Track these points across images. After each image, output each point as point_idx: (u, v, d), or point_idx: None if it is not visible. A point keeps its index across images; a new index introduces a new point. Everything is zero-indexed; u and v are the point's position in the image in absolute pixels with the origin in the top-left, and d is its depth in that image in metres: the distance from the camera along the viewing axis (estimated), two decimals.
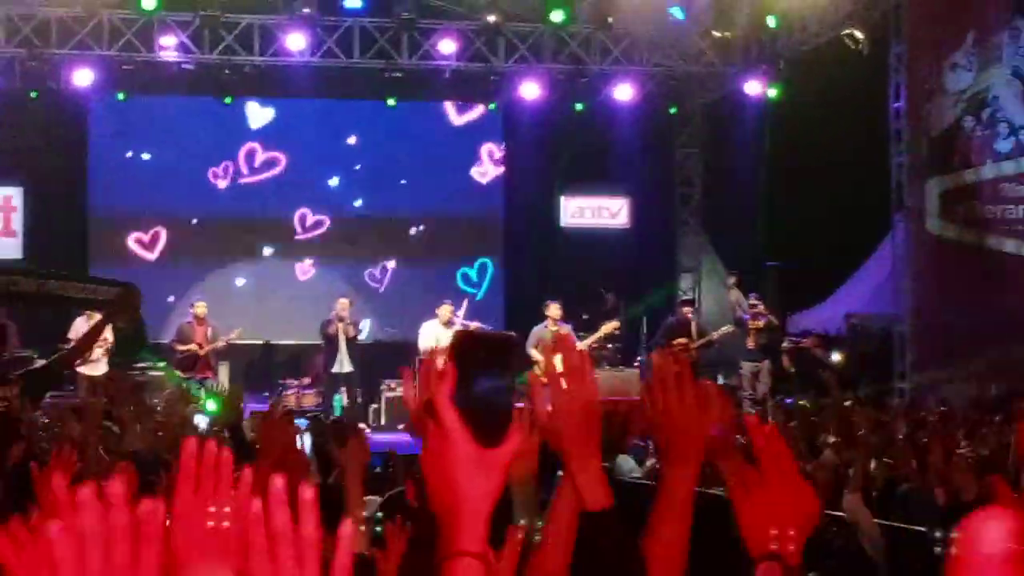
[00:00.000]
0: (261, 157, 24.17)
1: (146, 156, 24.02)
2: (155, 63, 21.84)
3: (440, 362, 2.10)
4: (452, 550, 2.02)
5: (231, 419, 13.80)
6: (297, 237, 24.11)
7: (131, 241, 23.89)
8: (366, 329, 21.88)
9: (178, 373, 19.56)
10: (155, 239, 23.99)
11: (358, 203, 24.53)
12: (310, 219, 24.21)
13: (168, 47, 21.47)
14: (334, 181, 24.46)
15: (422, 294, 22.70)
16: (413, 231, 24.64)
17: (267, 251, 24.26)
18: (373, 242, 24.34)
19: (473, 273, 24.77)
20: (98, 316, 16.67)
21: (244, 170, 24.16)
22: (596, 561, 2.86)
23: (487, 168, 24.99)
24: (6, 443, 8.90)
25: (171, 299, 22.75)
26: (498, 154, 24.92)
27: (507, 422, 2.05)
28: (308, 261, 24.18)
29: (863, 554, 6.95)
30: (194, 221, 23.89)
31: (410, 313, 22.19)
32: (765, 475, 2.54)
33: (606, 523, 2.78)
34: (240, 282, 24.01)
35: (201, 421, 15.25)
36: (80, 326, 18.16)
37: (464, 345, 2.10)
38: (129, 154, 23.91)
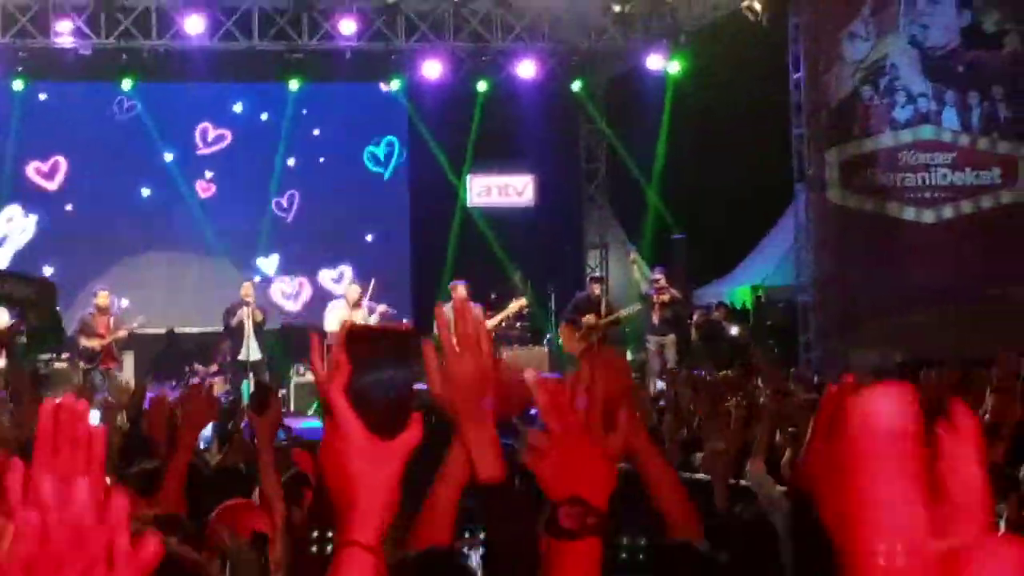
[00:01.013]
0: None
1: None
2: (50, 50, 21.50)
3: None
4: (344, 539, 2.02)
5: (132, 414, 13.65)
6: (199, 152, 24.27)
7: None
8: (273, 264, 21.96)
9: (82, 363, 19.27)
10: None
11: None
12: (211, 133, 24.44)
13: (64, 32, 21.09)
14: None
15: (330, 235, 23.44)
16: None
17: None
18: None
19: (380, 152, 24.90)
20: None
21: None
22: (491, 531, 2.95)
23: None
24: None
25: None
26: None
27: (405, 414, 2.03)
28: (208, 174, 24.20)
29: (766, 521, 6.99)
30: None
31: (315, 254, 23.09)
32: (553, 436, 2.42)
33: (498, 495, 2.82)
34: (148, 273, 23.77)
35: (95, 416, 15.09)
36: None
37: (356, 339, 2.07)
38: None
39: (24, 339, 18.60)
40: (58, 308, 19.49)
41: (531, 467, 2.46)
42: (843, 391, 1.83)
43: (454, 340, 2.70)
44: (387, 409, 2.02)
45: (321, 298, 23.08)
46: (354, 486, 2.02)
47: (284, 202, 24.53)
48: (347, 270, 24.31)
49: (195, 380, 19.94)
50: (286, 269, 24.40)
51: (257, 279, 20.86)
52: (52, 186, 23.94)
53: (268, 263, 24.29)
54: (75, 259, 23.27)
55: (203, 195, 24.16)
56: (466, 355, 2.70)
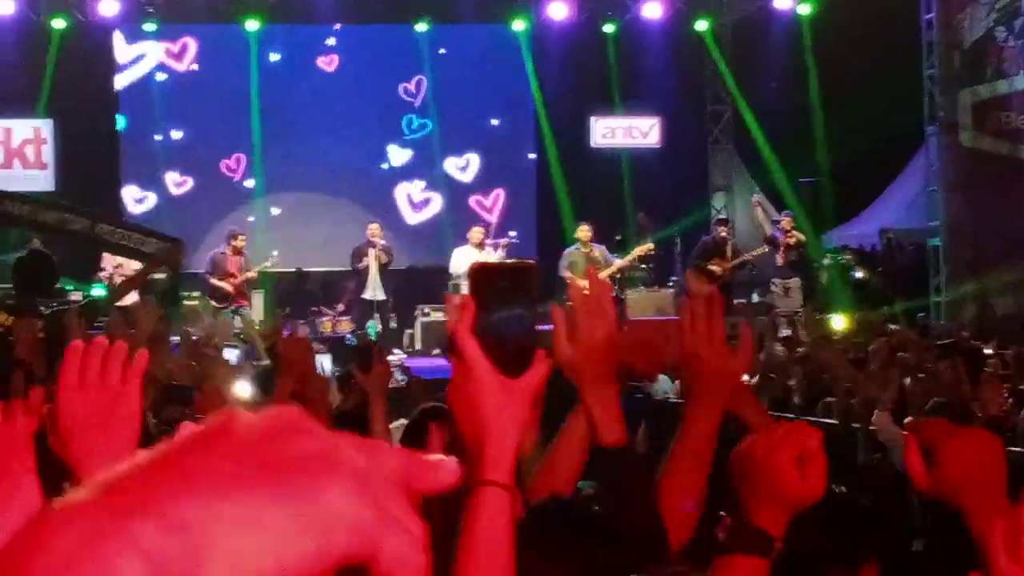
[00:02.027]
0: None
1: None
2: None
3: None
4: (478, 479, 2.03)
5: (270, 342, 13.90)
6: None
7: (166, 179, 24.06)
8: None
9: (213, 303, 19.53)
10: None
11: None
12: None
13: None
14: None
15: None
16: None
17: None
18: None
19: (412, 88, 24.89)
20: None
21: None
22: (607, 497, 2.98)
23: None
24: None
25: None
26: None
27: (531, 351, 2.04)
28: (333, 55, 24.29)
29: (895, 471, 6.94)
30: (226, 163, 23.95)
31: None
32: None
33: (618, 459, 2.87)
34: (275, 210, 24.00)
35: (231, 354, 15.44)
36: (108, 260, 18.21)
37: (482, 277, 2.09)
38: (162, 76, 23.92)
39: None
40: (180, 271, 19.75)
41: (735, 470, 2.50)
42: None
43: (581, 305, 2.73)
44: (513, 347, 2.02)
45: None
46: (485, 425, 2.03)
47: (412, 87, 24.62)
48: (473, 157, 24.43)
49: (323, 319, 20.66)
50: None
51: (376, 227, 20.83)
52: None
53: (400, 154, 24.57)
54: (205, 194, 23.79)
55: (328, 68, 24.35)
56: (594, 321, 2.72)
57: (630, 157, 24.87)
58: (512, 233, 20.44)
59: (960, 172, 20.28)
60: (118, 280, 17.27)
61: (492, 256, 19.87)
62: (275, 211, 23.94)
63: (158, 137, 23.70)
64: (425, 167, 24.47)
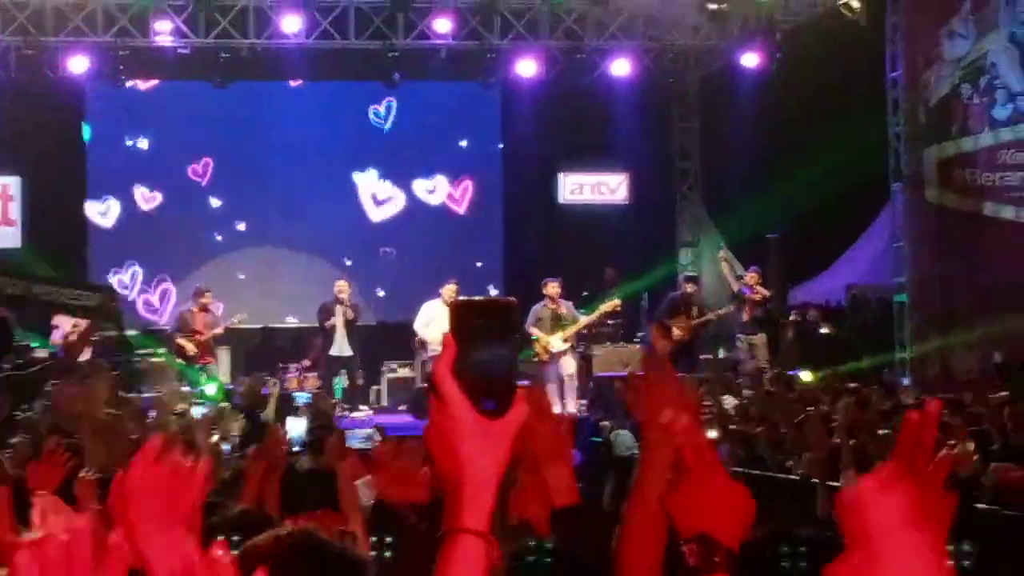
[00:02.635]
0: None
1: (143, 144, 24.09)
2: (150, 49, 21.93)
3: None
4: (454, 526, 2.01)
5: (251, 404, 13.89)
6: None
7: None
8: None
9: (179, 360, 19.59)
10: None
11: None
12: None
13: (163, 32, 21.44)
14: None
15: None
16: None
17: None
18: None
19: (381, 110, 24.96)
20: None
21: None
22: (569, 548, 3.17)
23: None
24: None
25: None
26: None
27: (510, 392, 2.02)
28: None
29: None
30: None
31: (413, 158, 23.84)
32: (696, 479, 2.64)
33: (575, 516, 3.19)
34: (240, 275, 24.06)
35: (198, 411, 15.49)
36: (62, 319, 18.24)
37: (463, 314, 2.07)
38: (128, 142, 24.01)
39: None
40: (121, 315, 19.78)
41: (666, 506, 2.70)
42: (924, 421, 2.05)
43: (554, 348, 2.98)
44: (495, 386, 2.00)
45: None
46: (463, 468, 2.00)
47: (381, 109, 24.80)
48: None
49: (289, 376, 20.51)
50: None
51: (343, 275, 21.04)
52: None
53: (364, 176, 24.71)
54: (165, 256, 23.89)
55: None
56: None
57: (598, 212, 25.04)
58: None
59: (926, 228, 20.29)
60: (72, 338, 17.23)
61: None
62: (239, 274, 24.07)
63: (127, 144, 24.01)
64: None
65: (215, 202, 24.33)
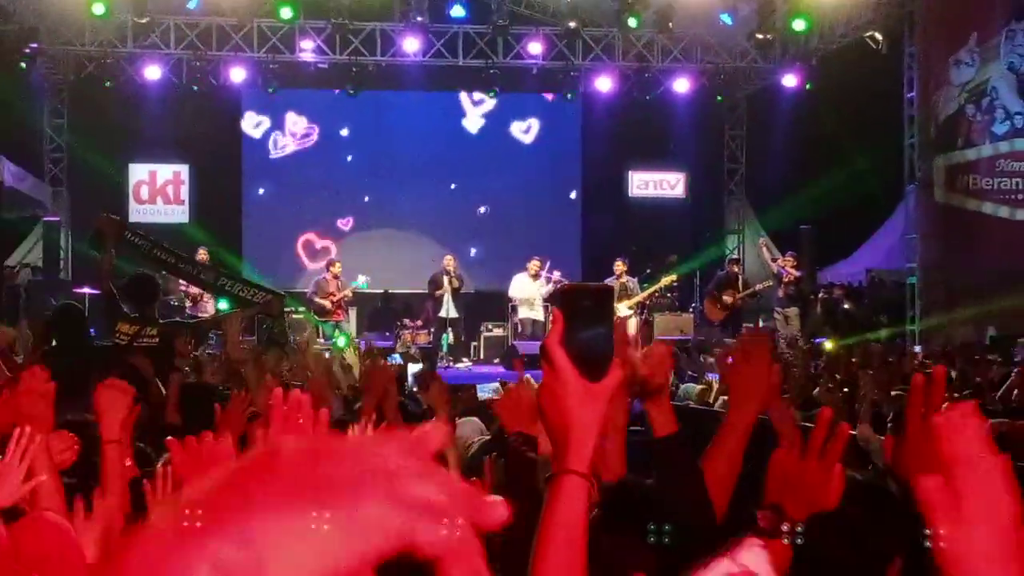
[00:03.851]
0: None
1: (287, 141, 24.35)
2: (296, 63, 22.17)
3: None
4: (561, 468, 1.99)
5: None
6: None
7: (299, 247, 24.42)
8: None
9: (316, 317, 19.79)
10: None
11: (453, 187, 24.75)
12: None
13: (307, 49, 21.76)
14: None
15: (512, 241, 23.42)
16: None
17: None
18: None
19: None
20: None
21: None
22: (669, 475, 3.00)
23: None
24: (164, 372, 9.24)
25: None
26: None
27: (607, 361, 1.99)
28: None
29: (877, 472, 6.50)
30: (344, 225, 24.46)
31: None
32: (808, 460, 2.52)
33: (675, 444, 3.00)
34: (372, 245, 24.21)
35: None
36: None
37: (569, 297, 2.03)
38: (277, 139, 24.28)
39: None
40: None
41: (768, 478, 2.54)
42: (933, 382, 2.15)
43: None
44: (595, 358, 1.98)
45: None
46: (569, 422, 1.98)
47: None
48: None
49: (404, 332, 20.43)
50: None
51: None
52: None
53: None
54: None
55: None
56: (656, 367, 2.98)
57: (660, 205, 25.00)
58: (557, 273, 20.15)
59: (933, 223, 20.15)
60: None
61: (543, 285, 19.94)
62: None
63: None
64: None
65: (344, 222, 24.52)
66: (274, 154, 24.37)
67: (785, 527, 2.40)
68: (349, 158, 24.32)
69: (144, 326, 10.07)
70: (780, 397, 3.35)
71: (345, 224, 24.51)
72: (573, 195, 25.05)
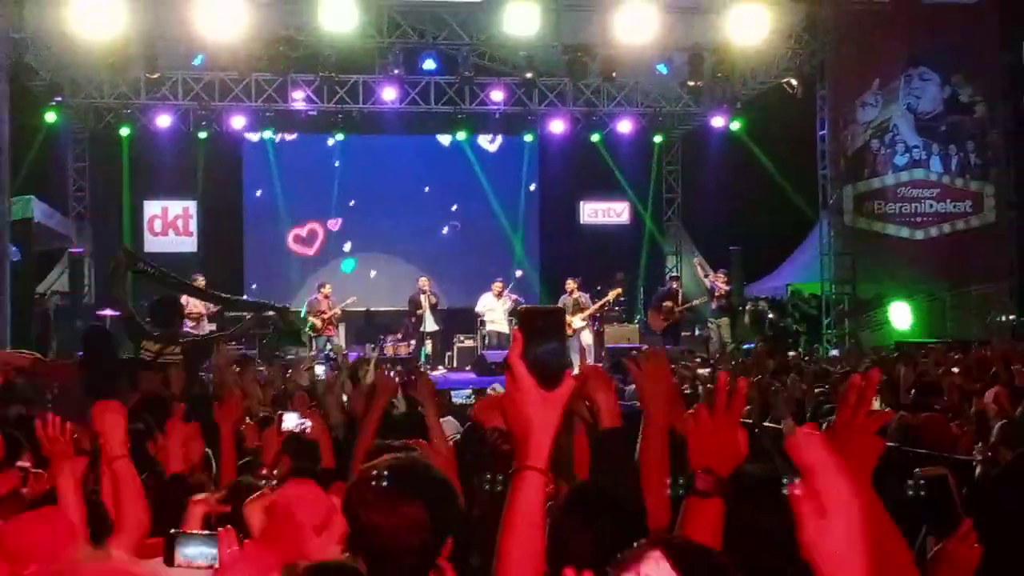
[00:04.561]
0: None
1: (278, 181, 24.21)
2: (289, 110, 22.08)
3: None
4: (522, 465, 1.98)
5: (352, 373, 13.41)
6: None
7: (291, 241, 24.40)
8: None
9: (310, 332, 19.68)
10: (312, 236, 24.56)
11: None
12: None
13: (298, 99, 21.66)
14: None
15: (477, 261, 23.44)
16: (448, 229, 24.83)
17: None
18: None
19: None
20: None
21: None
22: (607, 464, 3.00)
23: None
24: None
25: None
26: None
27: (561, 372, 1.98)
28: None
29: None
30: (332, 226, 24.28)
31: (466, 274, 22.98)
32: (716, 416, 2.48)
33: (613, 438, 3.03)
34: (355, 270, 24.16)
35: (320, 369, 15.26)
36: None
37: (527, 318, 2.04)
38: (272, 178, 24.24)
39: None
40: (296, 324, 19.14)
41: (690, 438, 2.48)
42: (866, 383, 2.25)
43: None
44: (551, 369, 1.98)
45: None
46: (529, 425, 1.96)
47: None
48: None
49: (387, 344, 20.18)
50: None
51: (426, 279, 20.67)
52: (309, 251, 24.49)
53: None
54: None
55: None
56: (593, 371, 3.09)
57: (608, 230, 25.03)
58: (515, 297, 20.28)
59: (844, 243, 20.20)
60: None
61: (506, 303, 19.89)
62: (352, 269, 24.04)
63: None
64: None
65: (332, 224, 24.50)
66: (269, 192, 24.37)
67: (719, 485, 2.40)
68: (336, 192, 24.29)
69: (167, 344, 10.12)
70: (679, 402, 3.32)
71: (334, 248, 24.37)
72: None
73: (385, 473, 2.61)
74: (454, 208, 24.64)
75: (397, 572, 2.51)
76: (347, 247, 24.47)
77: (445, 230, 24.50)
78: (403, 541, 2.53)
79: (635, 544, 1.73)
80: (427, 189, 24.51)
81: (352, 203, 24.34)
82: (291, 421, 5.60)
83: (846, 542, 1.45)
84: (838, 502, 1.46)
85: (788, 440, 1.49)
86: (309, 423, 5.60)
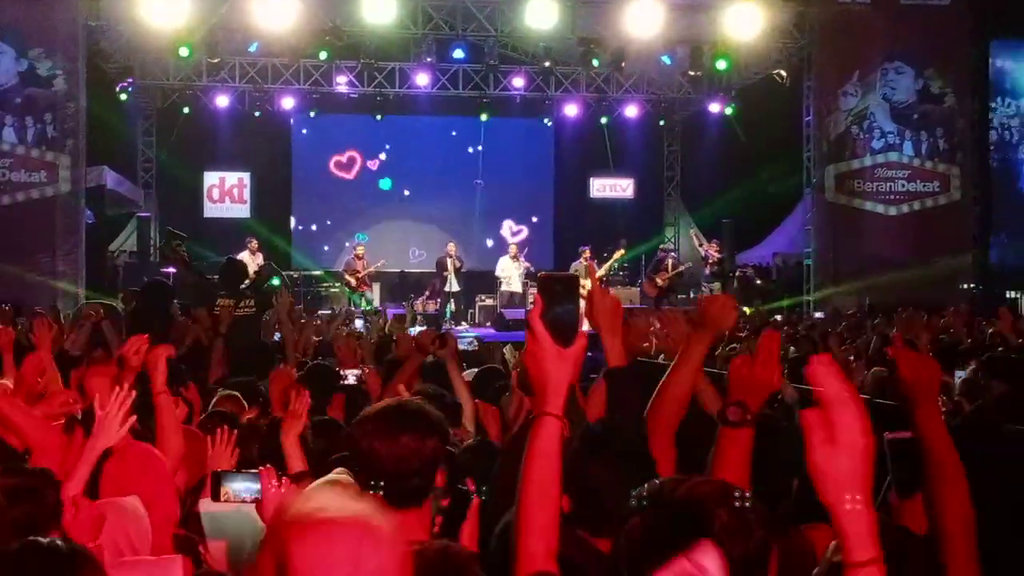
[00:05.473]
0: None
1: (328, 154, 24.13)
2: (333, 93, 21.93)
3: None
4: (540, 411, 1.98)
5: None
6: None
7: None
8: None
9: (348, 289, 19.86)
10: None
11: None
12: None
13: (341, 83, 21.54)
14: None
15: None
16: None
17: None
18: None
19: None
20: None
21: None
22: (617, 398, 2.95)
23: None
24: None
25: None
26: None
27: (575, 331, 1.97)
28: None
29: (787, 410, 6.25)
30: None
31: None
32: (755, 366, 2.51)
33: (623, 375, 2.97)
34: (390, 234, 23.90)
35: (358, 322, 15.53)
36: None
37: (545, 283, 2.02)
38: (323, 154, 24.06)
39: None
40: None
41: (731, 377, 2.50)
42: (771, 337, 2.37)
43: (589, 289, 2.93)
44: (566, 328, 1.96)
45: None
46: (547, 376, 1.96)
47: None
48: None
49: (416, 301, 20.20)
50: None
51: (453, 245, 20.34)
52: (349, 176, 24.29)
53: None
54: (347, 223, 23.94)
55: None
56: (605, 296, 3.00)
57: (615, 204, 24.96)
58: (527, 264, 19.98)
59: (825, 217, 20.02)
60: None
61: (521, 265, 19.78)
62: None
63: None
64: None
65: (384, 184, 24.23)
66: (320, 163, 24.17)
67: (749, 417, 2.41)
68: (374, 167, 24.17)
69: (240, 299, 10.15)
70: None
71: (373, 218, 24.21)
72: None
73: (388, 409, 2.70)
74: (478, 181, 24.32)
75: (400, 491, 2.57)
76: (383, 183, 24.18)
77: (477, 187, 24.16)
78: (401, 466, 2.60)
79: (681, 532, 1.65)
80: (455, 164, 24.26)
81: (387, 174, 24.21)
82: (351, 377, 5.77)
83: (849, 471, 1.46)
84: (849, 433, 1.46)
85: (807, 369, 1.49)
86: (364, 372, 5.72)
